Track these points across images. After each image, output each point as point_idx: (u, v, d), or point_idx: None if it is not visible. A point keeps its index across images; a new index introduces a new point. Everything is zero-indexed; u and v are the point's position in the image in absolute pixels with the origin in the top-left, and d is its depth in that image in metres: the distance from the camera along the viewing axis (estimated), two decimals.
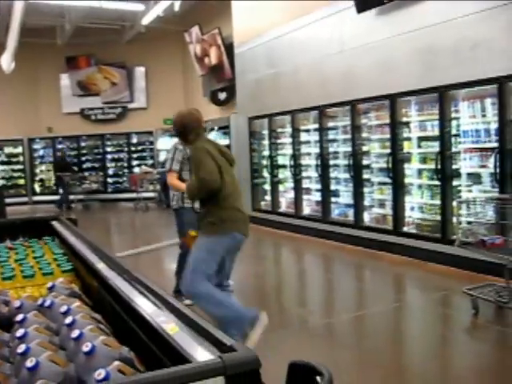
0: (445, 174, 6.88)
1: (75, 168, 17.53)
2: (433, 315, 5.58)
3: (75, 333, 1.34)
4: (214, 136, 13.51)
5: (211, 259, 4.12)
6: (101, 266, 2.03)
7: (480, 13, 6.24)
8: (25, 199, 18.03)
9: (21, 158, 18.35)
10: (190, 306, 3.13)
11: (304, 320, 5.51)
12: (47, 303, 1.67)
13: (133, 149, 18.57)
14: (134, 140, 18.57)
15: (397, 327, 5.43)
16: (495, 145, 6.24)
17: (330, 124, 9.32)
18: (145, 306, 1.46)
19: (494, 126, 6.34)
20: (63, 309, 1.56)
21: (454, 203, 6.69)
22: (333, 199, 9.35)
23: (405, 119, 7.72)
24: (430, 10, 6.98)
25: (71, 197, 16.63)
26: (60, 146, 18.41)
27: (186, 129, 4.46)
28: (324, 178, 9.34)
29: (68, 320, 1.45)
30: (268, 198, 11.21)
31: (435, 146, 7.07)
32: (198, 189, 4.07)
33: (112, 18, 16.04)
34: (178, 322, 1.28)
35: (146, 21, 14.54)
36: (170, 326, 1.24)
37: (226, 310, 4.02)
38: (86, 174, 17.74)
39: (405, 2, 7.22)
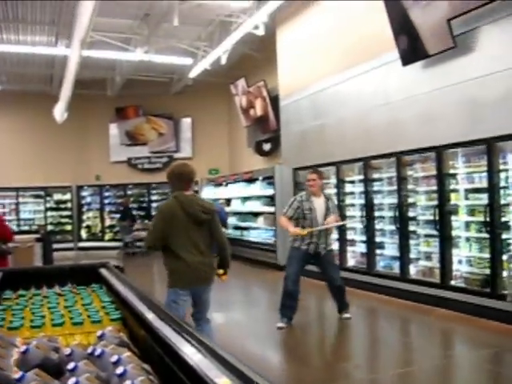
0: (494, 227, 6.73)
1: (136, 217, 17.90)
2: (482, 373, 5.36)
3: None
4: (258, 186, 13.60)
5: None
6: (150, 315, 2.04)
7: None
8: (71, 245, 18.33)
9: (69, 205, 18.76)
10: None
11: (349, 375, 5.37)
12: (97, 352, 1.68)
13: None
14: None
15: None
16: None
17: (375, 175, 9.28)
18: (195, 358, 1.45)
19: None
20: (114, 358, 1.56)
21: (504, 257, 6.51)
22: (378, 251, 9.23)
23: (452, 171, 7.63)
24: (475, 62, 6.98)
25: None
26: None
27: (170, 182, 4.85)
28: (369, 230, 9.25)
29: (119, 370, 1.45)
30: None
31: (483, 198, 6.95)
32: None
33: (160, 71, 16.54)
34: (230, 375, 1.27)
35: (193, 74, 14.91)
36: (222, 380, 1.23)
37: None
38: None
39: (449, 54, 7.23)
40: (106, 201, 19.09)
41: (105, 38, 12.52)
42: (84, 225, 19.03)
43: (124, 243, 16.56)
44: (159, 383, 1.56)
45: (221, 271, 4.91)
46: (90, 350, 1.72)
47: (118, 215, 18.86)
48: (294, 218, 6.98)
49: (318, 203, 6.99)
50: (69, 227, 18.78)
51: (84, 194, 19.12)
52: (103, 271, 3.50)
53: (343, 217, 9.58)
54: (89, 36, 10.53)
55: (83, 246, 18.39)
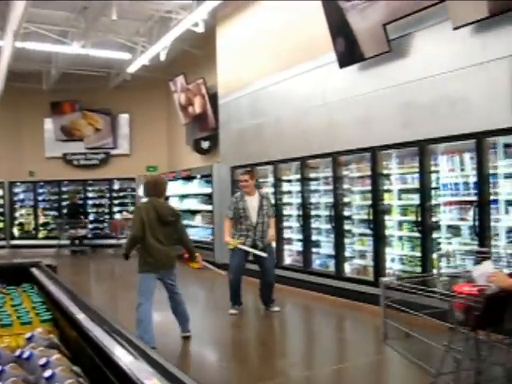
0: (425, 227, 6.95)
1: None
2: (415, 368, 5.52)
3: None
4: (196, 184, 13.56)
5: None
6: (81, 316, 2.01)
7: (457, 71, 6.45)
8: (3, 243, 17.78)
9: (0, 201, 18.17)
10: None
11: (286, 372, 5.43)
12: (25, 355, 1.64)
13: (114, 195, 18.49)
14: (116, 186, 18.51)
15: (379, 380, 5.37)
16: (474, 198, 6.34)
17: (312, 175, 9.41)
18: (126, 359, 1.44)
19: (472, 179, 6.45)
20: (42, 361, 1.53)
21: (434, 255, 6.73)
22: (314, 250, 9.37)
23: (385, 171, 7.83)
24: (409, 67, 7.19)
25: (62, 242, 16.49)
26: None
27: (146, 189, 6.39)
28: (305, 229, 9.38)
29: (47, 373, 1.42)
30: None
31: (415, 199, 7.16)
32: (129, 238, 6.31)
33: (98, 66, 16.24)
34: (160, 377, 1.27)
35: (131, 69, 14.72)
36: (151, 381, 1.23)
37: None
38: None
39: (385, 58, 7.41)
40: (40, 197, 18.58)
41: (40, 29, 12.19)
42: (16, 222, 18.47)
43: (61, 243, 16.22)
44: None
45: (192, 262, 6.57)
46: (18, 353, 1.68)
47: (52, 212, 18.45)
48: (235, 218, 7.59)
49: (252, 202, 7.57)
50: (0, 224, 18.19)
51: (17, 190, 18.55)
52: (35, 271, 3.42)
53: (280, 216, 9.69)
54: (23, 27, 10.23)
55: (16, 243, 17.89)
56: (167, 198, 15.44)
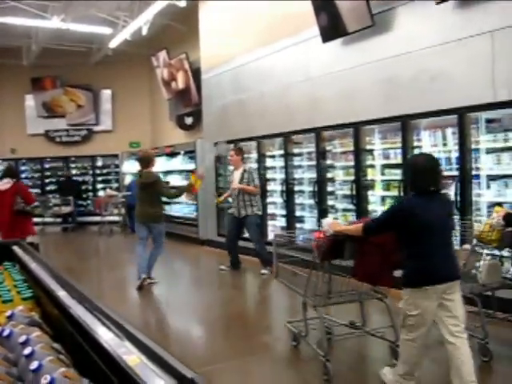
0: None
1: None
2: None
3: (34, 364, 1.32)
4: (180, 160, 13.51)
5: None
6: (61, 293, 2.01)
7: (439, 46, 6.45)
8: None
9: None
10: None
11: (269, 347, 5.48)
12: (6, 333, 1.64)
13: (98, 172, 18.40)
14: (99, 163, 18.41)
15: None
16: (456, 173, 6.39)
17: (296, 150, 9.42)
18: (106, 336, 1.45)
19: (454, 154, 6.50)
20: (22, 339, 1.53)
21: None
22: (298, 225, 9.40)
23: (368, 147, 7.86)
24: (392, 41, 7.18)
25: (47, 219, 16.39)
26: (35, 167, 18.15)
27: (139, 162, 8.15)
28: (289, 204, 9.40)
29: (27, 351, 1.42)
30: None
31: (398, 174, 7.20)
32: None
33: (79, 41, 15.97)
34: (140, 353, 1.28)
35: (113, 44, 14.53)
36: (130, 357, 1.24)
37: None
38: (50, 196, 17.46)
39: (368, 33, 7.39)
40: (23, 175, 18.40)
41: (19, 4, 11.96)
42: None
43: (46, 221, 16.12)
44: (71, 362, 1.55)
45: (194, 186, 8.19)
46: None
47: (35, 190, 18.28)
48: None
49: (236, 175, 8.67)
50: None
51: None
52: (16, 249, 3.40)
53: (264, 191, 9.70)
54: (2, 1, 10.04)
55: None
56: None
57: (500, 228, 4.52)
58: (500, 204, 5.56)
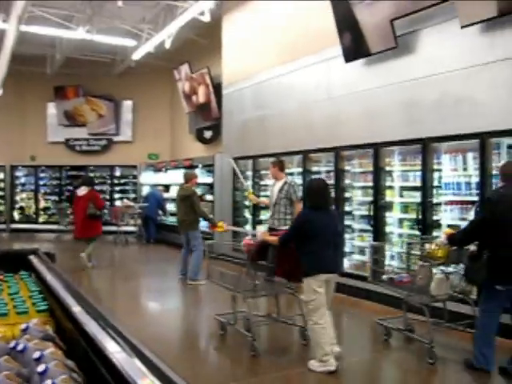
0: (425, 225, 6.93)
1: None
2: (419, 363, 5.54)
3: (47, 383, 1.30)
4: (198, 173, 13.51)
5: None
6: (77, 309, 2.00)
7: (463, 70, 6.41)
8: (3, 226, 17.81)
9: (1, 185, 18.18)
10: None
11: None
12: (20, 347, 1.63)
13: (116, 182, 18.48)
14: (118, 173, 18.50)
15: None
16: (475, 198, 6.31)
17: (314, 168, 9.39)
18: (120, 356, 1.43)
19: (474, 179, 6.43)
20: (36, 355, 1.52)
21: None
22: None
23: (388, 168, 7.80)
24: (415, 64, 7.15)
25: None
26: (54, 175, 18.22)
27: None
28: None
29: (40, 368, 1.41)
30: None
31: (417, 196, 7.14)
32: None
33: (103, 51, 16.18)
34: (153, 377, 1.26)
35: (136, 56, 14.66)
36: (144, 381, 1.22)
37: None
38: (67, 204, 17.50)
39: (391, 54, 7.37)
40: (41, 182, 18.60)
41: (46, 14, 12.13)
42: (17, 206, 18.48)
43: (62, 229, 16.20)
44: (83, 380, 1.54)
45: (215, 227, 9.29)
46: (12, 345, 1.67)
47: (53, 197, 18.45)
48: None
49: (276, 186, 8.20)
50: (1, 208, 18.20)
51: (18, 174, 18.57)
52: (33, 258, 3.40)
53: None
54: (28, 11, 10.17)
55: (16, 227, 17.91)
56: (167, 187, 15.51)
57: (445, 247, 5.24)
58: (452, 226, 6.31)
